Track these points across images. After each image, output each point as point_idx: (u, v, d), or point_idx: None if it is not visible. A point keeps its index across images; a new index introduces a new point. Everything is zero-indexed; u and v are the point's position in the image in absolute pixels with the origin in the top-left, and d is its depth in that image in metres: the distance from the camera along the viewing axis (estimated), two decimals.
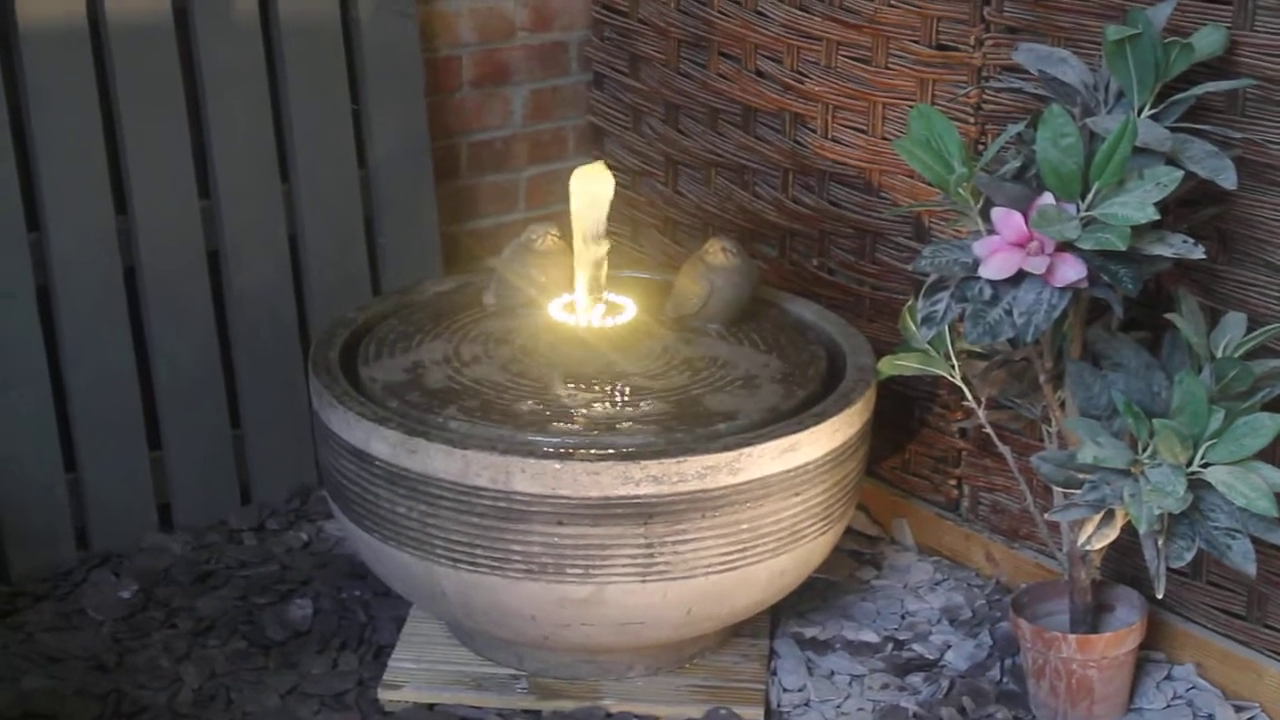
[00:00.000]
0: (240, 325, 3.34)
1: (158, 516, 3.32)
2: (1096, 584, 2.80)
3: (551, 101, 3.75)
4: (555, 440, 2.65)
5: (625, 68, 3.66)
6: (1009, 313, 2.41)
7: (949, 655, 2.97)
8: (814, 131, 3.26)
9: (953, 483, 3.22)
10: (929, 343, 2.75)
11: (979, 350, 2.77)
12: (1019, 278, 2.41)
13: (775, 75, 3.30)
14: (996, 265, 2.40)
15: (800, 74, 3.25)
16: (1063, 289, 2.39)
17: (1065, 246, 2.38)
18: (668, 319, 3.01)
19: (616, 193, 2.93)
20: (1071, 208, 2.39)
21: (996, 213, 2.41)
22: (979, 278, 2.42)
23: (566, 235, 2.99)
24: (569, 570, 2.65)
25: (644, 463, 2.59)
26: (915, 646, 3.00)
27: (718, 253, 2.99)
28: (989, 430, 2.81)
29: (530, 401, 2.76)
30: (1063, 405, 2.68)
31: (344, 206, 3.42)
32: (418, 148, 3.50)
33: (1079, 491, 2.53)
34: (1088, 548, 2.60)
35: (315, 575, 3.21)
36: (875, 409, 2.87)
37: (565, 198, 3.65)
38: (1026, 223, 2.39)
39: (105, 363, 3.19)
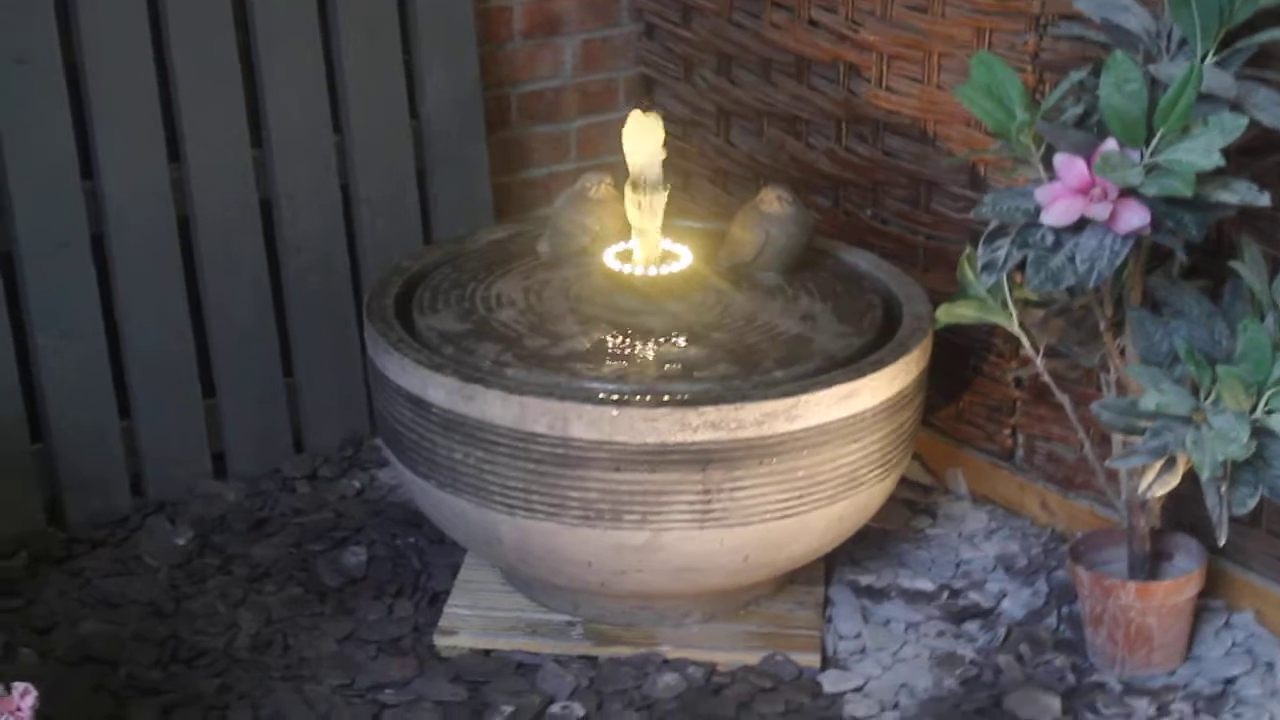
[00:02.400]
0: (292, 274, 3.34)
1: (211, 464, 3.33)
2: (1154, 532, 2.79)
3: (602, 52, 3.73)
4: (612, 387, 2.65)
5: (677, 18, 3.64)
6: (1071, 259, 2.39)
7: (1005, 603, 2.97)
8: (868, 81, 3.24)
9: (1007, 432, 3.21)
10: (987, 291, 2.73)
11: (1037, 299, 2.76)
12: (1081, 224, 2.39)
13: (829, 25, 3.28)
14: (1059, 212, 2.38)
15: (855, 23, 3.23)
16: (1125, 235, 2.38)
17: (1128, 193, 2.37)
18: (722, 268, 3.00)
19: (667, 143, 2.92)
20: (1135, 154, 2.37)
21: (1059, 159, 2.39)
22: (1041, 224, 2.41)
23: (620, 184, 2.99)
24: (626, 516, 2.65)
25: (702, 409, 2.59)
26: (971, 595, 3.00)
27: (773, 201, 2.98)
28: (1047, 379, 2.79)
29: (587, 349, 2.76)
30: (1122, 353, 2.67)
31: (396, 156, 3.41)
32: (470, 98, 3.49)
33: (1140, 439, 2.52)
34: (1149, 495, 2.59)
35: (369, 523, 3.22)
36: (930, 358, 2.87)
37: (616, 148, 3.63)
38: (1089, 169, 2.37)
39: (159, 311, 3.20)
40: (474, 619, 2.91)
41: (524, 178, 3.70)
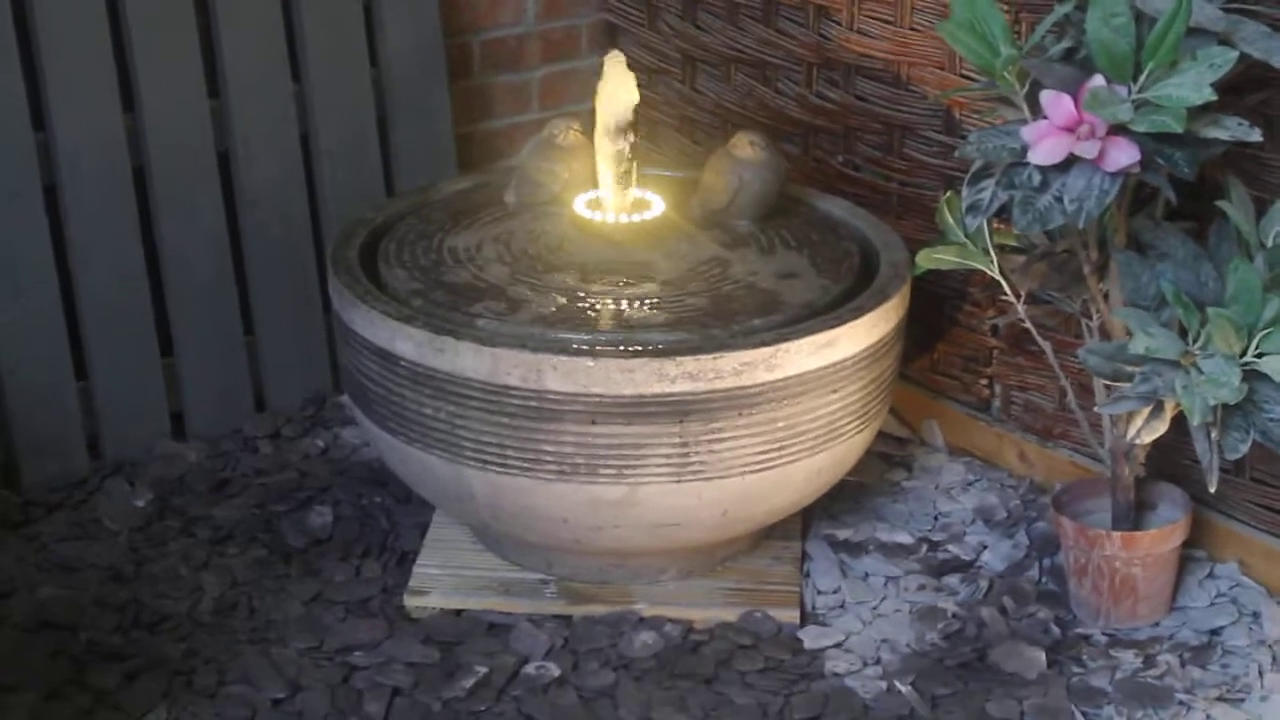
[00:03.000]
0: (251, 227, 3.25)
1: (171, 424, 3.25)
2: (1138, 481, 2.74)
3: None
4: (587, 337, 2.57)
5: None
6: (1059, 199, 2.33)
7: (985, 556, 2.92)
8: (839, 23, 3.17)
9: (984, 382, 3.16)
10: (968, 235, 2.67)
11: (1017, 244, 2.70)
12: (1068, 163, 2.33)
13: None
14: (1046, 150, 2.32)
15: None
16: (1114, 174, 2.31)
17: (1116, 130, 2.31)
18: (695, 216, 2.93)
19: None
20: (1123, 90, 2.31)
21: (1046, 95, 2.33)
22: (1027, 164, 2.35)
23: (587, 131, 2.91)
24: (602, 471, 2.58)
25: (679, 359, 2.52)
26: (950, 547, 2.95)
27: (745, 146, 2.91)
28: (1029, 325, 2.73)
29: (560, 299, 2.68)
30: (1106, 297, 2.61)
31: (356, 105, 3.33)
32: (430, 45, 3.40)
33: (1127, 385, 2.47)
34: (1137, 441, 2.54)
35: (334, 482, 3.14)
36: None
37: (579, 97, 3.58)
38: (1076, 106, 2.31)
39: (115, 266, 3.11)
40: (444, 579, 2.84)
41: (487, 128, 3.62)
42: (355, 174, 3.33)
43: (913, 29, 3.05)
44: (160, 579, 2.86)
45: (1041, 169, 2.34)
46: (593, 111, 2.85)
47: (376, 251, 2.86)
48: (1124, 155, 2.30)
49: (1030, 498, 3.05)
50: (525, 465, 2.60)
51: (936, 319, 3.18)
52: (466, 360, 2.56)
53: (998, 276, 2.69)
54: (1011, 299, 2.72)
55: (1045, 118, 2.33)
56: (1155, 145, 2.30)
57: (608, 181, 2.85)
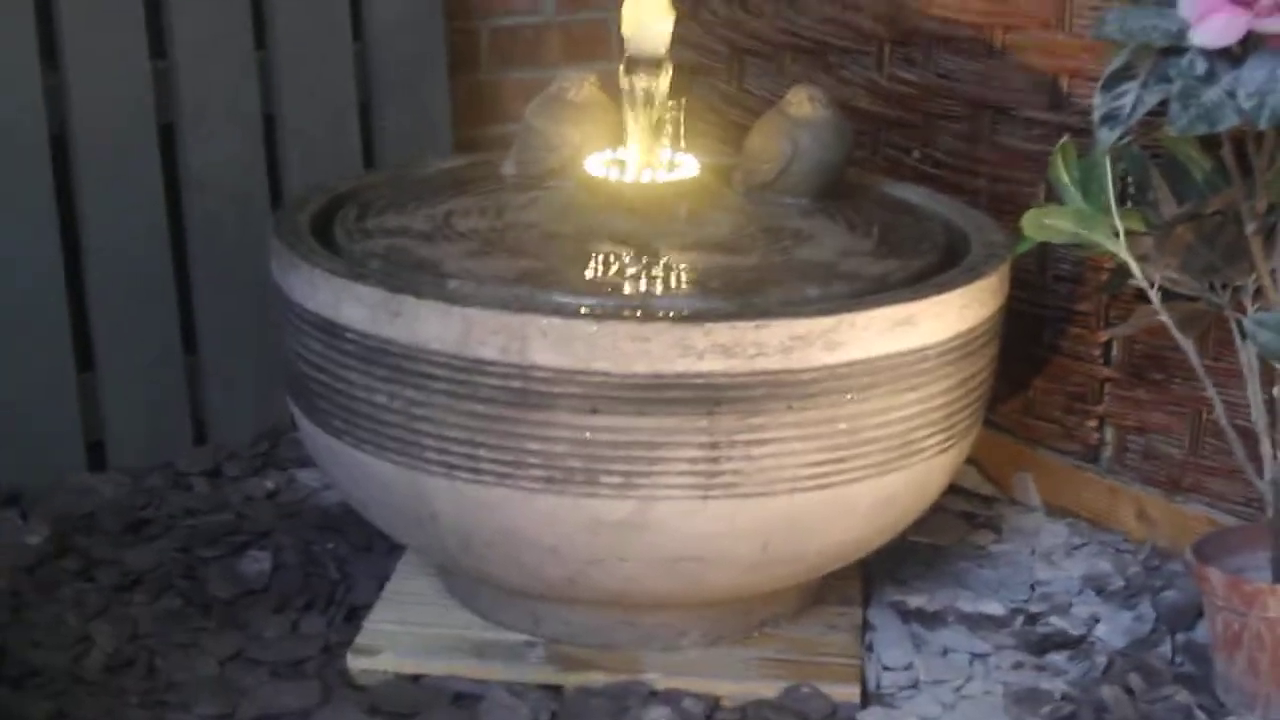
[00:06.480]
0: (198, 218, 2.68)
1: (87, 455, 2.65)
2: None
3: None
4: (590, 300, 1.97)
5: None
6: (1231, 95, 1.72)
7: (1099, 630, 2.27)
8: None
9: (1093, 424, 2.53)
10: (1085, 200, 2.07)
11: (1146, 228, 2.09)
12: (1243, 50, 1.73)
13: None
14: (1215, 29, 1.72)
15: None
16: None
17: None
18: (738, 190, 2.34)
19: (670, 96, 2.29)
20: None
21: None
22: (1187, 48, 1.75)
23: (608, 88, 2.34)
24: (604, 479, 1.96)
25: (710, 326, 1.91)
26: (1054, 620, 2.30)
27: (804, 103, 2.33)
28: (1164, 317, 2.10)
29: (556, 262, 2.09)
30: (1275, 277, 1.99)
31: (333, 84, 2.77)
32: (428, 22, 2.86)
33: None
34: None
35: (279, 526, 2.53)
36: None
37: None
38: None
39: (25, 258, 2.55)
40: (402, 636, 2.21)
41: (496, 132, 3.04)
42: (329, 162, 2.75)
43: None
44: (40, 626, 2.25)
45: (1207, 55, 1.74)
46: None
47: (335, 220, 2.28)
48: None
49: (1154, 564, 2.41)
50: (503, 471, 1.97)
51: (1033, 347, 2.56)
52: (430, 327, 1.95)
53: (1124, 255, 2.08)
54: (1143, 284, 2.10)
55: None
56: None
57: (633, 134, 2.26)
